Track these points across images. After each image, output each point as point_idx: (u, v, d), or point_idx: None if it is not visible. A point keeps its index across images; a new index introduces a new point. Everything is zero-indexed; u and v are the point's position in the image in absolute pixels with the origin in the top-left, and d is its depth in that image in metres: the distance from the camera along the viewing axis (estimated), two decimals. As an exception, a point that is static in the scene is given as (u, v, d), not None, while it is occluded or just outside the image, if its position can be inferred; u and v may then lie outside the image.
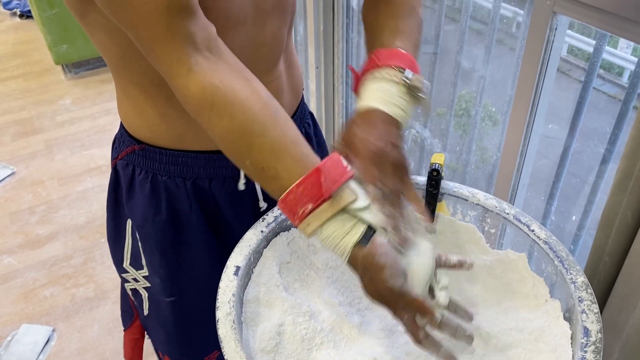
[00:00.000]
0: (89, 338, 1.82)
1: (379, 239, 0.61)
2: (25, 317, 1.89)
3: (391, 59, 0.70)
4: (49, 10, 3.07)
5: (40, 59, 3.64)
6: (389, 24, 0.75)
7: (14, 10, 4.29)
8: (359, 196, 0.62)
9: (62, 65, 3.47)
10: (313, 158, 0.64)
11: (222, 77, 0.62)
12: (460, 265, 0.65)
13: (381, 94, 0.69)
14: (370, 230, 0.61)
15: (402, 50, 0.72)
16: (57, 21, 3.13)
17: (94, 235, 2.22)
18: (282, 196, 0.61)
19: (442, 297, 0.62)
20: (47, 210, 2.39)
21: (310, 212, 0.60)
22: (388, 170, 0.66)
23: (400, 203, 0.66)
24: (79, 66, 3.47)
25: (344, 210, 0.60)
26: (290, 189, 0.60)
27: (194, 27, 0.61)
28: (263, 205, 0.91)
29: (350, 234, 0.61)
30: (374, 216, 0.62)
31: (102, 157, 2.69)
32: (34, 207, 2.41)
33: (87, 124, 2.98)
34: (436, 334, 0.62)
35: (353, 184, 0.62)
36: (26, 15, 4.19)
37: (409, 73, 0.69)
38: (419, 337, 0.61)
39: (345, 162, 0.62)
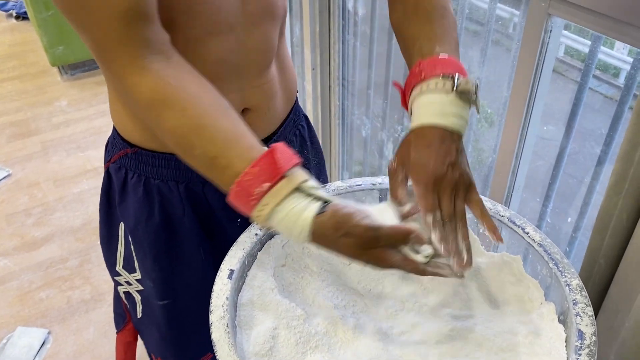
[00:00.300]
0: (85, 341, 1.81)
1: (336, 203, 0.61)
2: (20, 320, 1.88)
3: (435, 68, 0.67)
4: (45, 12, 3.07)
5: (36, 60, 3.63)
6: (424, 30, 0.72)
7: (10, 11, 4.28)
8: (310, 178, 0.62)
9: (58, 67, 3.46)
10: (263, 146, 0.64)
11: (175, 76, 0.63)
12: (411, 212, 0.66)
13: (433, 107, 0.66)
14: (327, 203, 0.61)
15: (444, 55, 0.69)
16: (53, 23, 3.12)
17: (90, 237, 2.21)
18: (237, 179, 0.60)
19: (426, 250, 0.62)
20: (43, 212, 2.38)
21: (267, 191, 0.59)
22: (446, 194, 0.65)
23: (457, 225, 0.65)
24: (75, 68, 3.47)
25: (298, 189, 0.60)
26: (246, 170, 0.60)
27: (150, 33, 0.62)
28: None
29: (309, 209, 0.60)
30: (328, 194, 0.62)
31: (98, 158, 2.69)
32: (30, 209, 2.40)
33: (83, 125, 2.98)
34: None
35: (302, 169, 0.63)
36: (22, 16, 4.18)
37: (456, 78, 0.66)
38: (421, 269, 0.60)
39: (291, 150, 0.63)
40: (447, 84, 0.66)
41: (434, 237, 0.63)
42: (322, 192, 0.62)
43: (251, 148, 0.62)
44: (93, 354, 1.76)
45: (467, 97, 0.67)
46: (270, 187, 0.59)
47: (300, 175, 0.61)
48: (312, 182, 0.62)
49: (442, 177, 0.64)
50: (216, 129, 0.63)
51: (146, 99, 0.62)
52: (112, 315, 1.84)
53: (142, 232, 0.85)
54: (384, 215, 0.65)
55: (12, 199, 2.46)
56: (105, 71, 0.65)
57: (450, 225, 0.64)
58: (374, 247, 0.59)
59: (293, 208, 0.60)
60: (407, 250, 0.61)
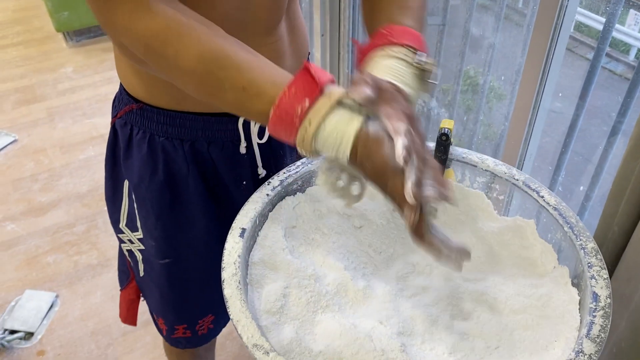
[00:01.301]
0: (92, 304, 1.83)
1: (376, 124, 0.58)
2: (28, 283, 1.90)
3: (405, 38, 0.66)
4: (50, -24, 3.02)
5: (41, 26, 3.59)
6: (395, 1, 0.71)
7: (14, -24, 4.22)
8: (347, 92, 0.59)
9: (64, 33, 3.42)
10: (288, 73, 0.61)
11: (185, 13, 0.61)
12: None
13: (395, 72, 0.64)
14: (369, 119, 0.58)
15: (414, 30, 0.67)
16: (58, -13, 3.08)
17: (97, 204, 2.22)
18: (275, 103, 0.58)
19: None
20: (50, 178, 2.38)
21: (309, 108, 0.57)
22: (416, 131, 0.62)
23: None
24: (80, 34, 3.43)
25: (339, 103, 0.57)
26: (282, 91, 0.57)
27: None
28: (262, 172, 0.89)
29: (353, 121, 0.57)
30: (368, 109, 0.59)
31: (104, 125, 2.67)
32: (37, 174, 2.40)
33: (89, 92, 2.96)
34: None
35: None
36: (26, -19, 4.13)
37: (422, 56, 0.65)
38: (421, 231, 0.57)
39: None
40: (412, 57, 0.65)
41: (400, 142, 0.57)
42: (362, 108, 0.58)
43: (278, 71, 0.60)
44: (100, 318, 1.78)
45: (425, 78, 0.66)
46: (312, 104, 0.57)
47: (338, 90, 0.58)
48: (353, 95, 0.58)
49: (409, 113, 0.62)
50: (239, 59, 0.60)
51: (161, 37, 0.59)
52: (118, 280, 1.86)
53: (145, 190, 0.84)
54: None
55: (18, 164, 2.46)
56: (111, 24, 0.61)
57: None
58: (388, 174, 0.56)
59: (337, 122, 0.57)
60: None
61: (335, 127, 0.57)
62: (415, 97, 0.67)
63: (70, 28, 3.32)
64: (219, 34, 0.62)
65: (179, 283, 0.94)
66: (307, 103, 0.56)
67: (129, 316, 1.06)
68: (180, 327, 1.00)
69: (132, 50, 0.63)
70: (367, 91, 0.57)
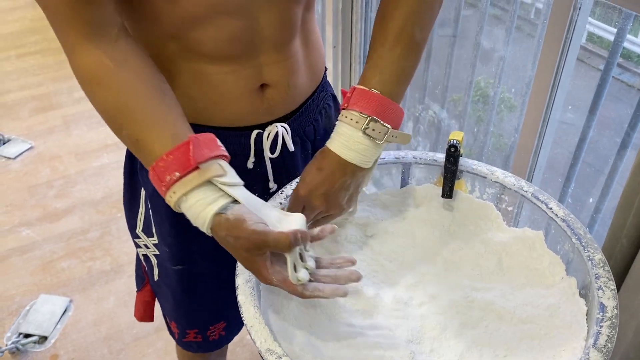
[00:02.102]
0: (105, 310, 1.85)
1: (239, 207, 0.64)
2: (43, 288, 1.93)
3: (358, 102, 0.72)
4: (68, -13, 3.08)
5: (58, 35, 3.65)
6: (378, 52, 0.74)
7: (32, -14, 4.30)
8: (228, 173, 0.65)
9: (80, 42, 3.48)
10: (189, 133, 0.67)
11: (116, 58, 0.67)
12: (321, 233, 0.69)
13: (342, 138, 0.72)
14: (234, 203, 0.64)
15: (375, 92, 0.72)
16: (76, -3, 3.13)
17: (111, 210, 2.25)
18: (152, 165, 0.64)
19: (302, 273, 0.63)
20: (65, 185, 2.42)
21: (177, 180, 0.63)
22: (309, 216, 0.74)
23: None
24: (96, 43, 3.48)
25: (210, 182, 0.63)
26: (160, 157, 0.63)
27: (97, 17, 0.65)
28: (273, 186, 0.89)
29: (214, 204, 0.63)
30: (242, 193, 0.66)
31: (119, 133, 2.71)
32: (52, 181, 2.44)
33: (104, 100, 3.00)
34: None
35: (225, 164, 0.66)
36: (44, -9, 4.20)
37: (366, 122, 0.70)
38: (299, 291, 0.63)
39: (219, 143, 0.66)
40: (360, 122, 0.71)
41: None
42: (234, 190, 0.64)
43: (173, 135, 0.65)
44: (112, 323, 1.80)
45: (374, 139, 0.72)
46: (181, 177, 0.63)
47: (215, 169, 0.64)
48: (227, 179, 0.64)
49: (310, 201, 0.73)
50: (143, 113, 0.66)
51: (86, 76, 0.66)
52: (131, 286, 1.88)
53: (160, 197, 0.85)
54: (291, 224, 0.66)
55: (35, 171, 2.50)
56: (60, 39, 0.68)
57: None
58: (261, 254, 0.63)
59: (198, 201, 0.63)
60: (293, 260, 0.63)
61: (195, 205, 0.63)
62: (364, 160, 0.73)
63: (86, 37, 3.37)
64: (138, 83, 0.67)
65: (191, 289, 0.96)
66: (176, 175, 0.63)
67: (145, 316, 1.09)
68: (191, 332, 1.02)
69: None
70: None
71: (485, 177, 0.82)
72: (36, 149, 2.64)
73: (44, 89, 3.11)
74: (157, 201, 0.88)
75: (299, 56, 0.83)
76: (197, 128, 0.81)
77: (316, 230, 0.68)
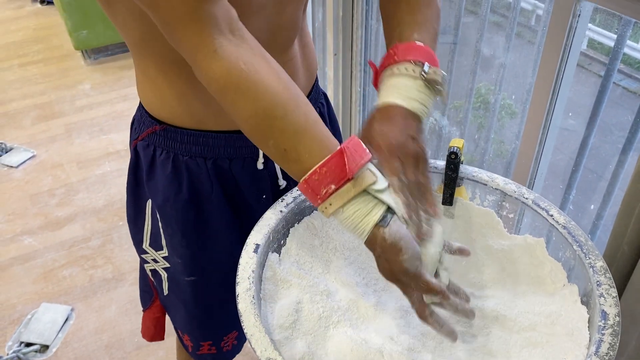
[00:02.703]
0: (107, 318, 1.85)
1: (397, 222, 0.63)
2: (44, 296, 1.93)
3: (409, 53, 0.71)
4: (70, -4, 3.10)
5: (61, 44, 3.68)
6: (406, 17, 0.75)
7: (35, -4, 4.34)
8: (378, 178, 0.63)
9: (82, 51, 3.50)
10: (333, 140, 0.65)
11: (246, 60, 0.62)
12: (460, 252, 0.69)
13: (400, 89, 0.70)
14: (389, 212, 0.63)
15: (420, 44, 0.72)
16: (78, 7, 3.15)
17: (112, 218, 2.25)
18: (304, 177, 0.63)
19: (444, 276, 0.66)
20: (67, 193, 2.42)
21: (333, 192, 0.61)
22: (409, 163, 0.67)
23: (421, 195, 0.67)
24: (98, 52, 3.50)
25: (365, 191, 0.62)
26: (313, 169, 0.62)
27: (218, 10, 0.61)
28: (282, 183, 0.92)
29: (370, 214, 0.62)
30: (392, 199, 0.64)
31: (120, 141, 2.72)
32: (54, 189, 2.45)
33: (106, 109, 3.02)
34: (440, 311, 0.65)
35: (372, 167, 0.64)
36: (47, 1, 4.24)
37: (426, 67, 0.70)
38: (425, 314, 0.64)
39: (364, 145, 0.64)
40: (417, 70, 0.70)
41: (399, 200, 0.65)
42: (386, 197, 0.63)
43: (321, 142, 0.64)
44: (114, 331, 1.80)
45: (433, 85, 0.70)
46: (337, 189, 0.61)
47: (369, 177, 0.62)
48: (379, 185, 0.63)
49: (403, 146, 0.67)
50: (287, 120, 0.63)
51: (219, 85, 0.62)
52: (132, 294, 1.88)
53: (170, 208, 0.86)
54: (434, 244, 0.66)
55: (37, 179, 2.51)
56: (177, 49, 0.64)
57: (417, 191, 0.67)
58: (403, 283, 0.64)
59: (356, 212, 0.62)
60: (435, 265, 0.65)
61: (353, 217, 0.63)
62: (425, 111, 0.71)
63: (88, 46, 3.40)
64: (275, 86, 0.63)
65: (204, 299, 0.96)
66: (332, 188, 0.61)
67: (156, 333, 1.07)
68: (205, 344, 1.01)
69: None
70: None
71: (486, 184, 0.82)
72: (38, 158, 2.65)
73: (46, 97, 3.13)
74: (167, 211, 0.87)
75: (298, 58, 0.86)
76: (206, 134, 0.83)
77: (456, 245, 0.70)
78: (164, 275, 0.96)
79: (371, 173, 0.63)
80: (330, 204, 0.62)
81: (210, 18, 0.60)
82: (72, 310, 1.87)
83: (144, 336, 1.08)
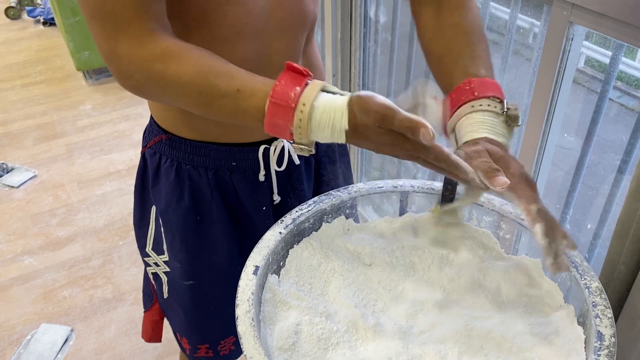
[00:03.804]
0: (106, 339, 1.85)
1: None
2: (44, 317, 1.93)
3: (486, 89, 0.69)
4: (72, 18, 3.14)
5: (62, 65, 3.72)
6: (467, 51, 0.75)
7: (38, 17, 4.39)
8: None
9: (84, 72, 3.54)
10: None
11: (183, 41, 0.68)
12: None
13: (487, 125, 0.68)
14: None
15: (491, 79, 0.71)
16: (80, 28, 3.20)
17: (113, 238, 2.26)
18: (269, 93, 0.63)
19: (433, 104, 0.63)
20: (67, 213, 2.43)
21: (301, 93, 0.62)
22: (535, 187, 0.66)
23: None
24: (99, 73, 3.54)
25: (324, 89, 0.63)
26: (274, 84, 0.63)
27: (162, 10, 0.67)
28: (277, 198, 0.95)
29: (341, 98, 0.62)
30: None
31: (121, 161, 2.74)
32: (55, 209, 2.46)
33: (107, 129, 3.04)
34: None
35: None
36: (49, 22, 4.29)
37: (507, 104, 0.69)
38: (415, 150, 0.60)
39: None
40: (498, 106, 0.68)
41: (539, 228, 0.62)
42: (343, 91, 0.64)
43: (268, 78, 0.65)
44: (114, 352, 1.80)
45: (513, 121, 0.69)
46: (302, 90, 0.62)
47: (320, 81, 0.64)
48: (333, 86, 0.64)
49: (527, 175, 0.65)
50: (230, 69, 0.66)
51: (165, 58, 0.65)
52: (132, 314, 1.88)
53: (171, 214, 0.89)
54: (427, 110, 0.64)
55: (38, 199, 2.52)
56: (115, 54, 0.67)
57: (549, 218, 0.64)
58: (391, 129, 0.60)
59: (327, 100, 0.62)
60: None
61: (327, 104, 0.62)
62: (509, 144, 0.70)
63: (90, 67, 3.44)
64: (209, 52, 0.68)
65: (203, 304, 0.99)
66: (298, 89, 0.62)
67: (154, 335, 1.11)
68: (202, 347, 1.03)
69: (131, 78, 0.69)
70: (503, 179, 0.61)
71: (482, 206, 0.83)
72: (39, 178, 2.66)
73: (48, 118, 3.16)
74: (168, 217, 0.91)
75: None
76: (208, 145, 0.87)
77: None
78: (164, 278, 0.99)
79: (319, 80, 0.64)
80: (304, 104, 0.61)
81: (154, 16, 0.66)
82: (71, 330, 1.87)
83: (143, 336, 1.12)
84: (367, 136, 0.62)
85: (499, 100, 0.69)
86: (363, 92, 0.62)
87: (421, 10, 0.80)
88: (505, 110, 0.68)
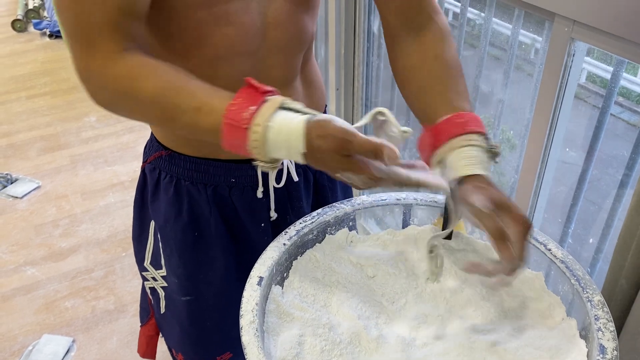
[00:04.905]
0: (108, 350, 1.84)
1: (321, 114, 0.64)
2: (46, 328, 1.93)
3: (474, 124, 0.71)
4: (79, 31, 3.18)
5: (68, 77, 3.75)
6: (450, 83, 0.76)
7: (44, 30, 4.43)
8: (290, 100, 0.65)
9: (89, 84, 3.56)
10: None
11: (153, 58, 0.69)
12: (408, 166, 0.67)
13: (477, 160, 0.70)
14: (313, 115, 0.64)
15: (475, 115, 0.73)
16: (86, 41, 3.22)
17: (115, 249, 2.26)
18: (223, 113, 0.63)
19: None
20: (70, 224, 2.44)
21: (255, 112, 0.62)
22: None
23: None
24: (104, 85, 3.56)
25: (282, 106, 0.64)
26: (231, 102, 0.64)
27: (137, 31, 0.68)
28: (273, 215, 0.95)
29: (297, 118, 0.63)
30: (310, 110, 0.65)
31: (125, 173, 2.75)
32: (58, 220, 2.47)
33: (111, 141, 3.06)
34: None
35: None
36: (55, 35, 4.33)
37: (491, 140, 0.72)
38: (375, 174, 0.62)
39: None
40: (484, 142, 0.71)
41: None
42: (304, 108, 0.65)
43: (229, 94, 0.66)
44: (115, 364, 1.80)
45: (495, 156, 0.72)
46: (257, 109, 0.62)
47: (280, 97, 0.64)
48: (293, 102, 0.65)
49: (505, 201, 0.67)
50: (193, 86, 0.67)
51: (131, 76, 0.67)
52: (134, 326, 1.88)
53: (170, 229, 0.90)
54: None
55: (41, 210, 2.53)
56: (88, 69, 0.69)
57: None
58: (348, 155, 0.61)
59: (284, 119, 0.63)
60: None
61: (282, 124, 0.63)
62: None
63: (95, 79, 3.46)
64: (176, 69, 0.69)
65: (199, 319, 0.99)
66: (252, 109, 0.62)
67: (148, 351, 1.10)
68: None
69: (102, 94, 0.71)
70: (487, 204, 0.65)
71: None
72: (43, 189, 2.68)
73: (53, 129, 3.18)
74: (167, 232, 0.91)
75: (299, 95, 0.89)
76: (207, 162, 0.88)
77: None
78: (161, 293, 0.99)
79: (281, 96, 0.65)
80: (258, 124, 0.62)
81: (128, 34, 0.67)
82: (73, 341, 1.87)
83: (138, 351, 1.13)
84: (324, 161, 0.63)
85: (485, 137, 0.71)
86: (322, 116, 0.63)
87: (400, 34, 0.81)
88: (492, 147, 0.71)
